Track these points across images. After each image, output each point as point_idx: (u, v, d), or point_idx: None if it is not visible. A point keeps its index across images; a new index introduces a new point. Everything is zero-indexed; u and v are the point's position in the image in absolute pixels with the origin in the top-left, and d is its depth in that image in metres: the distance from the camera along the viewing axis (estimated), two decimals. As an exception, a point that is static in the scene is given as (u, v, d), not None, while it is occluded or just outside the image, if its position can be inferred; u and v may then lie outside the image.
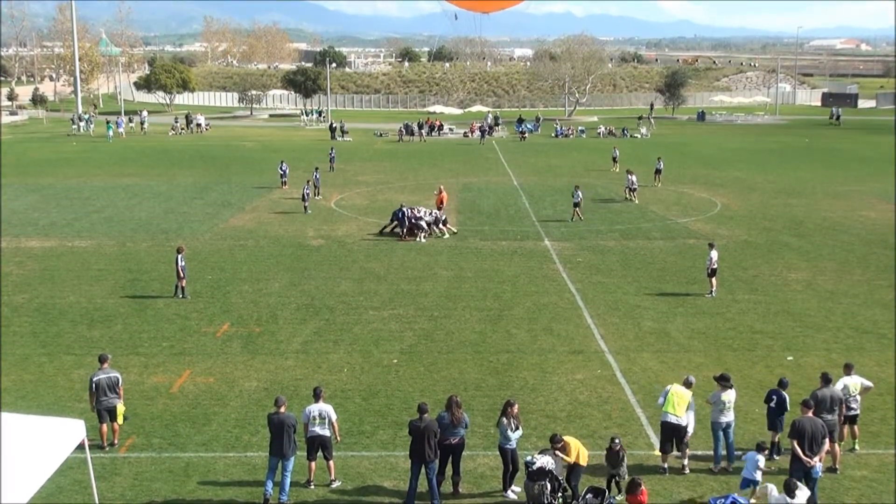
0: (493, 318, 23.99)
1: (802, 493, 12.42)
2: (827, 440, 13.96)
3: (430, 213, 35.60)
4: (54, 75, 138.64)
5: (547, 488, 13.19)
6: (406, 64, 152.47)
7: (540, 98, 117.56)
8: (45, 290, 26.80)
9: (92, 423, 15.03)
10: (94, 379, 15.87)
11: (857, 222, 38.34)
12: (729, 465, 15.21)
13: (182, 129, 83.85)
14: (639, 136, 78.91)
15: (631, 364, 20.39)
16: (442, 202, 37.87)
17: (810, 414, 14.03)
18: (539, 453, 13.62)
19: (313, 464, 14.63)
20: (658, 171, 48.67)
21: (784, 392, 15.45)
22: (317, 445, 14.56)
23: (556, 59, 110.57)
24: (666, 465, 15.10)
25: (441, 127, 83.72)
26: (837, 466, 15.15)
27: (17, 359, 20.57)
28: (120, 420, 16.05)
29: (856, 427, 15.89)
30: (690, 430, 14.99)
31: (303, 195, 40.83)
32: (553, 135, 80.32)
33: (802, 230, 36.56)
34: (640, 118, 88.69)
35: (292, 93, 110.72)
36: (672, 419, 14.87)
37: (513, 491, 14.38)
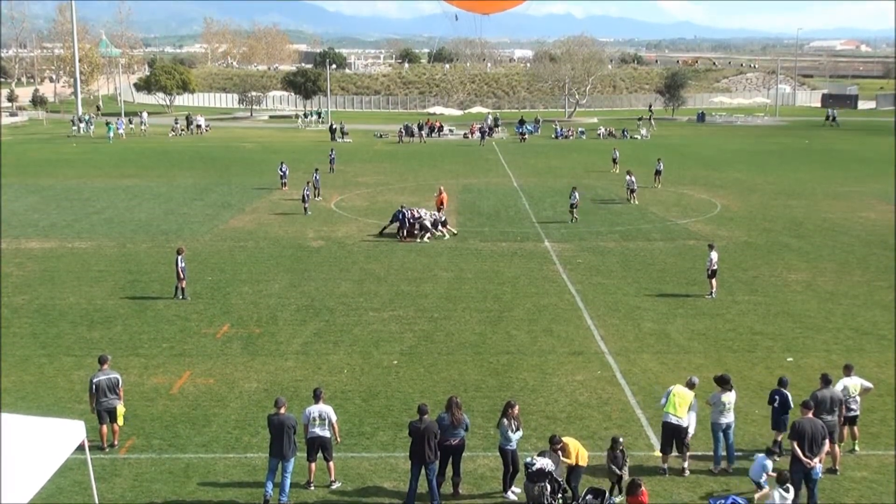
0: (493, 319, 23.99)
1: (791, 493, 12.55)
2: (827, 441, 13.96)
3: (430, 215, 35.61)
4: (54, 76, 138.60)
5: (546, 489, 13.18)
6: (406, 65, 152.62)
7: (540, 99, 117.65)
8: (45, 291, 26.80)
9: (92, 424, 15.03)
10: (94, 380, 15.87)
11: (857, 223, 38.34)
12: (729, 466, 15.21)
13: (182, 130, 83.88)
14: (639, 137, 78.95)
15: (631, 365, 20.39)
16: (442, 203, 37.88)
17: (810, 415, 14.04)
18: (538, 455, 13.62)
19: (313, 465, 14.63)
20: (658, 173, 48.69)
21: (785, 390, 15.49)
22: (317, 446, 14.56)
23: (556, 60, 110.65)
24: (666, 466, 15.09)
25: (441, 128, 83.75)
26: (837, 467, 15.15)
27: (17, 360, 20.57)
28: (120, 421, 16.05)
29: (856, 428, 15.89)
30: (691, 430, 14.98)
31: (303, 196, 40.84)
32: (553, 136, 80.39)
33: (802, 231, 36.57)
34: (639, 119, 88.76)
35: (292, 94, 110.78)
36: (673, 420, 14.88)
37: (513, 492, 14.37)
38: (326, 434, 14.58)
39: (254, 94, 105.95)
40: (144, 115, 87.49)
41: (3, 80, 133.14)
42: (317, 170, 46.89)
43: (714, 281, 26.47)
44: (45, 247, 33.20)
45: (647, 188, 46.68)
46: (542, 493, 13.18)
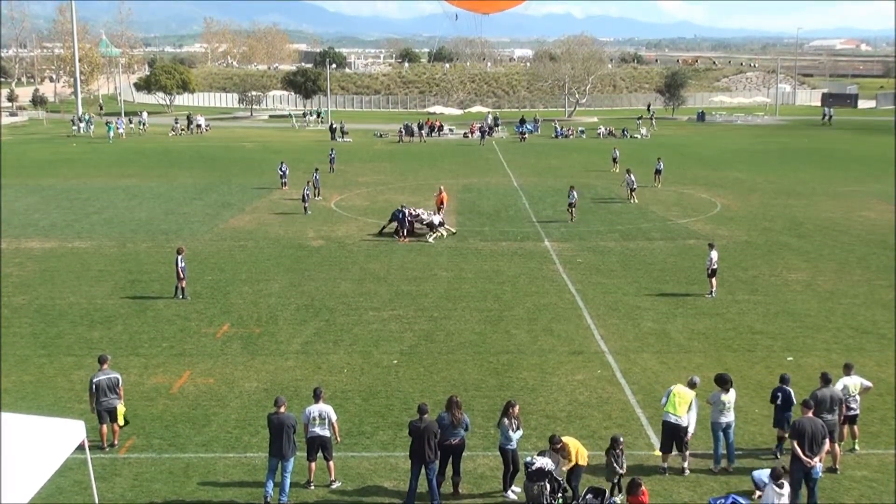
0: (493, 318, 23.99)
1: (786, 488, 12.51)
2: (827, 440, 13.96)
3: (429, 215, 35.59)
4: (54, 76, 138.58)
5: (546, 489, 13.18)
6: (406, 65, 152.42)
7: (540, 99, 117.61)
8: (45, 291, 26.81)
9: (92, 424, 15.04)
10: (94, 380, 15.88)
11: (857, 223, 38.34)
12: (729, 466, 15.22)
13: (182, 129, 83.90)
14: (639, 136, 78.95)
15: (631, 365, 20.39)
16: (442, 202, 37.87)
17: (810, 414, 14.04)
18: (538, 454, 13.62)
19: (313, 464, 14.63)
20: (658, 172, 48.68)
21: (787, 387, 15.51)
22: (317, 446, 14.56)
23: (556, 59, 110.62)
24: (666, 466, 15.10)
25: (441, 128, 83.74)
26: (837, 467, 15.16)
27: (17, 360, 20.57)
28: (121, 421, 16.05)
29: (856, 427, 15.90)
30: (691, 430, 14.98)
31: (303, 196, 40.84)
32: (553, 135, 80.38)
33: (802, 231, 36.56)
34: (639, 118, 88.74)
35: (292, 94, 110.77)
36: (672, 419, 14.88)
37: (513, 491, 14.38)
38: (326, 433, 14.58)
39: (254, 93, 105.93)
40: (144, 114, 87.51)
41: (3, 79, 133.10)
42: (317, 169, 46.90)
43: (714, 280, 26.47)
44: (45, 247, 33.20)
45: (647, 187, 46.67)
46: (541, 493, 13.18)
